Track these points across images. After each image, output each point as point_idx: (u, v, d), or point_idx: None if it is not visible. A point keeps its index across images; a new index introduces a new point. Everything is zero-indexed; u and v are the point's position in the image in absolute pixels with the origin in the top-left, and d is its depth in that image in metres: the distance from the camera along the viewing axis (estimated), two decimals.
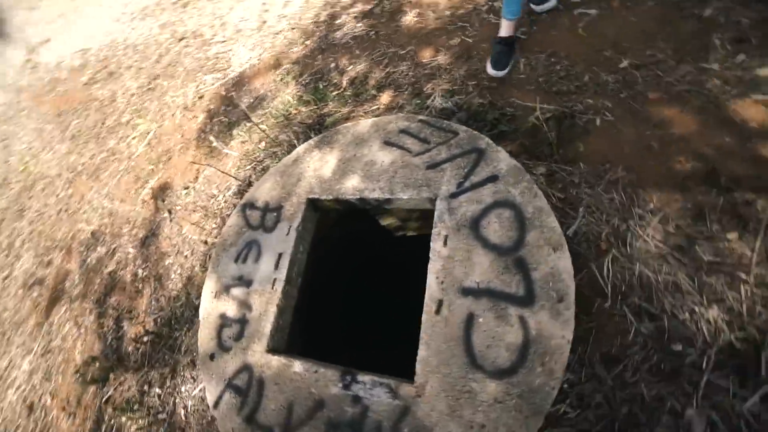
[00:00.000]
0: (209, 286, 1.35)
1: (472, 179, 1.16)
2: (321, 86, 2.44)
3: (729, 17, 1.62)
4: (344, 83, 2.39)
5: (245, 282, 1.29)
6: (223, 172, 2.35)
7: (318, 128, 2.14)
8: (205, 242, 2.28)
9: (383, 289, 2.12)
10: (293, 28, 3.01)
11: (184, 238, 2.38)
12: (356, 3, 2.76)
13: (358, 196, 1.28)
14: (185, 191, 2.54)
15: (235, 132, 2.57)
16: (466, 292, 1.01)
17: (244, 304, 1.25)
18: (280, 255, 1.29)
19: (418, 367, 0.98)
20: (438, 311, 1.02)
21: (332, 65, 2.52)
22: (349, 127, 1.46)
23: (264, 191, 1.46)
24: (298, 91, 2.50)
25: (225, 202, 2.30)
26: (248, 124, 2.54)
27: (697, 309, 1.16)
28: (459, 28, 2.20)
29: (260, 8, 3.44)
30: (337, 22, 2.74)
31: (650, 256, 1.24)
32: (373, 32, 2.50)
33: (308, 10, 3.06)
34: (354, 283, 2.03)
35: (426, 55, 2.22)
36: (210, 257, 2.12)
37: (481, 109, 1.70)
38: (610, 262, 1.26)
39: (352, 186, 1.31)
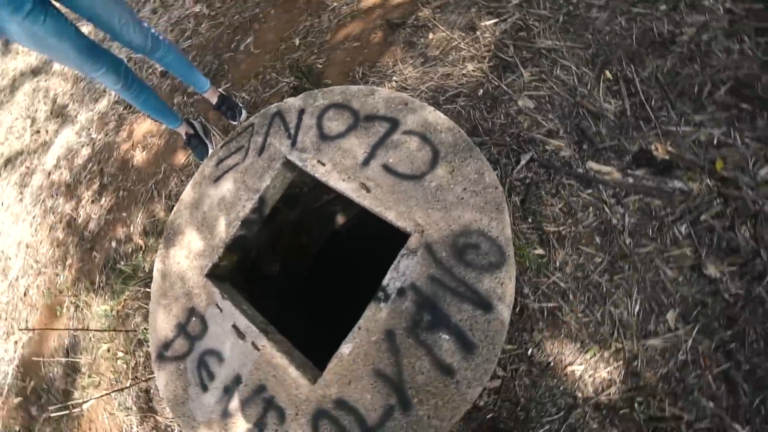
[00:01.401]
0: None
1: (292, 126, 1.33)
2: (122, 265, 2.18)
3: None
4: (140, 240, 2.22)
5: (233, 382, 1.06)
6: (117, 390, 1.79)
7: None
8: None
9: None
10: (39, 273, 2.56)
11: None
12: (82, 193, 2.59)
13: (239, 223, 1.26)
14: None
15: (78, 394, 1.98)
16: (366, 162, 1.16)
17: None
18: (234, 325, 1.12)
19: (400, 224, 1.05)
20: (368, 190, 1.12)
21: (114, 244, 2.29)
22: (178, 207, 1.40)
23: (162, 325, 1.23)
24: (108, 291, 2.15)
25: None
26: (84, 371, 2.01)
27: (466, 55, 1.65)
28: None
29: None
30: (80, 220, 2.51)
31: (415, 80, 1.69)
32: (122, 192, 2.42)
33: (37, 249, 2.66)
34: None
35: (180, 158, 2.30)
36: None
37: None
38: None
39: (225, 224, 1.27)
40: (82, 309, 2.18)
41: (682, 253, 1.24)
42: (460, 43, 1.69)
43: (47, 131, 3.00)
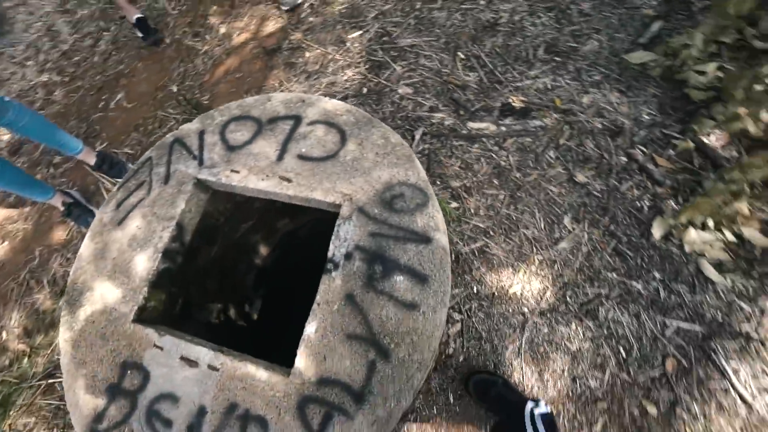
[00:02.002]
0: None
1: (195, 148, 1.30)
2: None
3: None
4: (20, 345, 1.83)
5: (197, 416, 0.95)
6: None
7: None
8: None
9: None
10: None
11: None
12: None
13: (160, 256, 1.16)
14: None
15: None
16: (280, 158, 1.20)
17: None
18: (182, 357, 1.01)
19: (329, 198, 1.11)
20: (289, 181, 1.16)
21: None
22: (78, 265, 1.23)
23: (87, 399, 1.04)
24: None
25: None
26: None
27: (343, 64, 1.82)
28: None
29: None
30: None
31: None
32: None
33: None
34: None
35: (59, 235, 2.00)
36: None
37: None
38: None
39: (144, 261, 1.16)
40: None
41: (557, 172, 1.54)
42: (335, 55, 1.87)
43: None
